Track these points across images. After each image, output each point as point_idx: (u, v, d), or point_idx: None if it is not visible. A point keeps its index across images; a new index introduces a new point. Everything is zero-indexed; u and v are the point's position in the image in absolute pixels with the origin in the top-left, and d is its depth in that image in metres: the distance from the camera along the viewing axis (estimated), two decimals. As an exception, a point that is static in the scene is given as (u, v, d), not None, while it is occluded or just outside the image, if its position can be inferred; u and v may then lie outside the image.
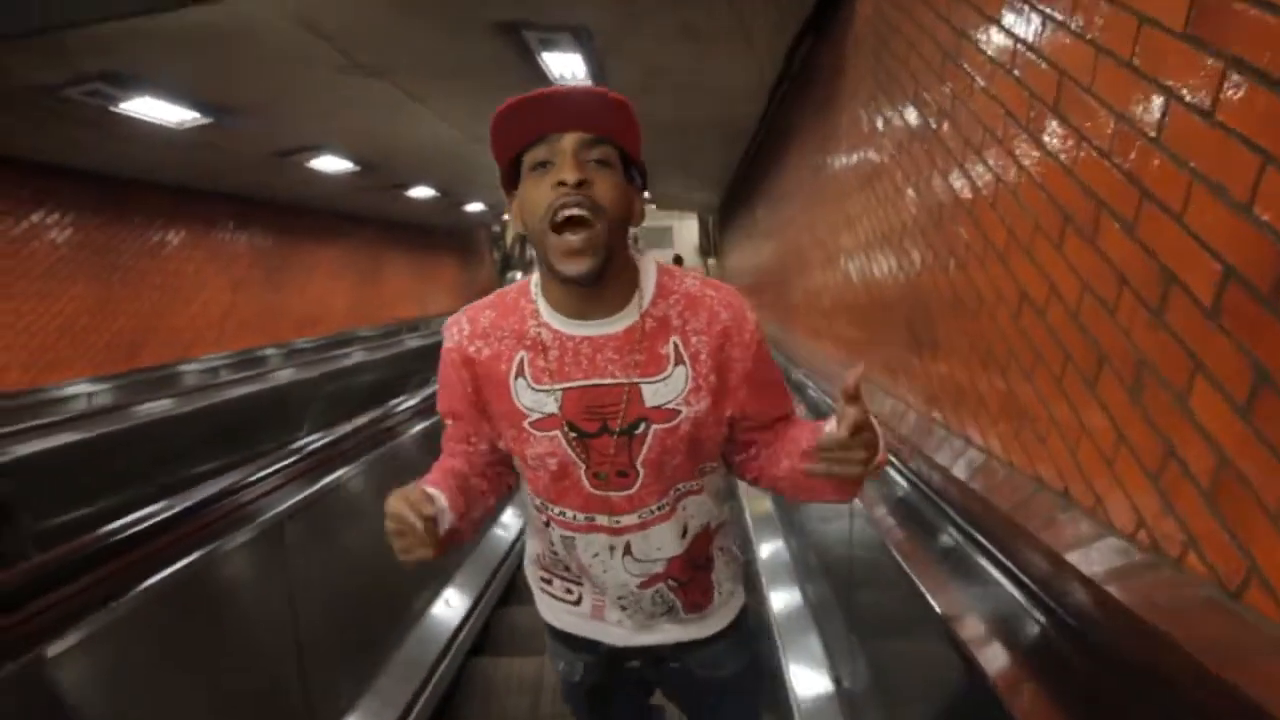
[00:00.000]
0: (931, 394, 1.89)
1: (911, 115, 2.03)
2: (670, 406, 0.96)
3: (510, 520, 3.57)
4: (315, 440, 2.28)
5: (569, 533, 1.05)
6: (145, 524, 1.45)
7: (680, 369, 0.96)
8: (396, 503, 0.85)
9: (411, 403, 3.19)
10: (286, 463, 2.00)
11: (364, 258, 11.04)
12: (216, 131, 4.96)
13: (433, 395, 1.56)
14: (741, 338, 0.98)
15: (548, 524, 1.07)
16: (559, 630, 1.19)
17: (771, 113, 5.04)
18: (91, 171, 5.92)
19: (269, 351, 8.09)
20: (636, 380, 0.95)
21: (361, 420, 2.71)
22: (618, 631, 1.13)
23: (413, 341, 8.60)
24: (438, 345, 1.06)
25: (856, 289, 2.80)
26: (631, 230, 0.95)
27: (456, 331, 1.02)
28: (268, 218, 8.52)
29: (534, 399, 0.98)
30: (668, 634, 1.14)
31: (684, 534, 1.05)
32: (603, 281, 0.92)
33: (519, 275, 19.07)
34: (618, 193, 0.90)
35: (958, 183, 1.67)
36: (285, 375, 5.89)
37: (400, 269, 12.33)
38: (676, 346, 0.97)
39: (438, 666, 2.33)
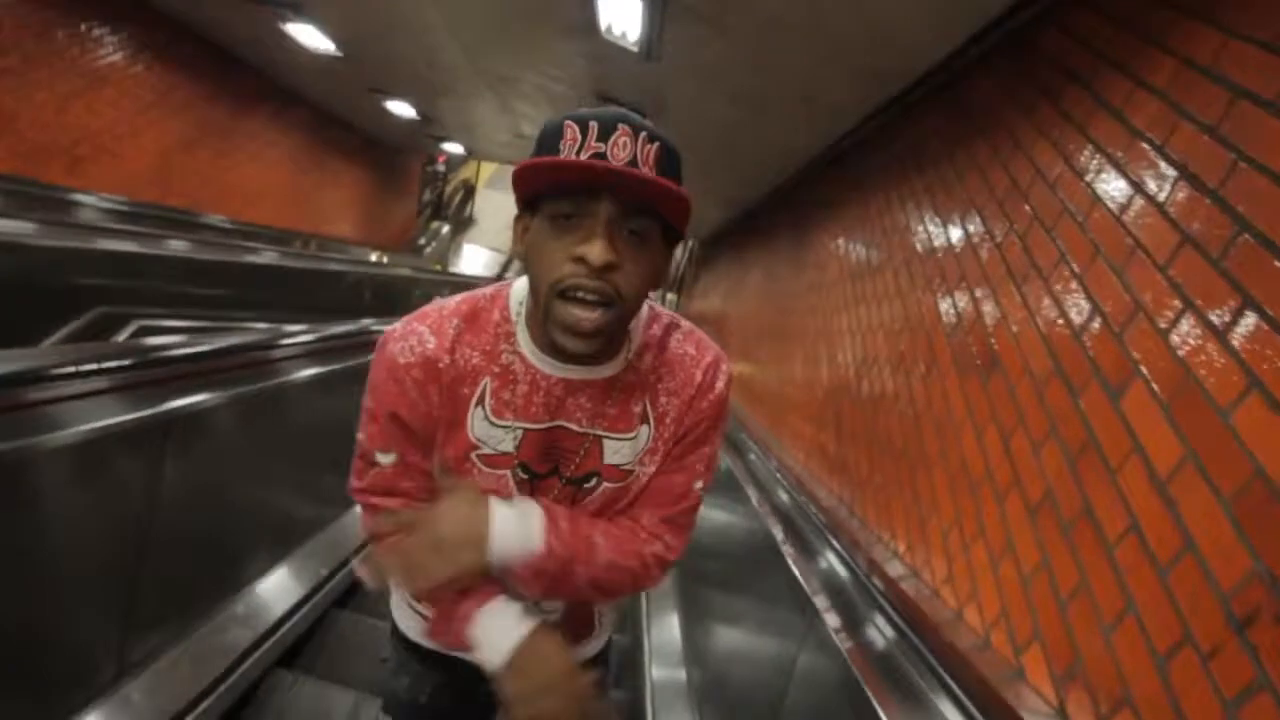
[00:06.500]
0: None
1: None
2: (626, 467, 0.92)
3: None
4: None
5: None
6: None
7: (644, 428, 0.91)
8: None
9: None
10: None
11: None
12: None
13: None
14: (700, 402, 0.92)
15: None
16: (416, 645, 1.11)
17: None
18: None
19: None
20: (601, 434, 0.90)
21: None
22: None
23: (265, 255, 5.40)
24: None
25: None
26: None
27: (416, 342, 0.87)
28: None
29: (488, 433, 0.89)
30: None
31: None
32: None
33: (445, 229, 14.41)
34: (646, 274, 0.79)
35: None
36: None
37: (276, 152, 8.36)
38: (645, 406, 0.91)
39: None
